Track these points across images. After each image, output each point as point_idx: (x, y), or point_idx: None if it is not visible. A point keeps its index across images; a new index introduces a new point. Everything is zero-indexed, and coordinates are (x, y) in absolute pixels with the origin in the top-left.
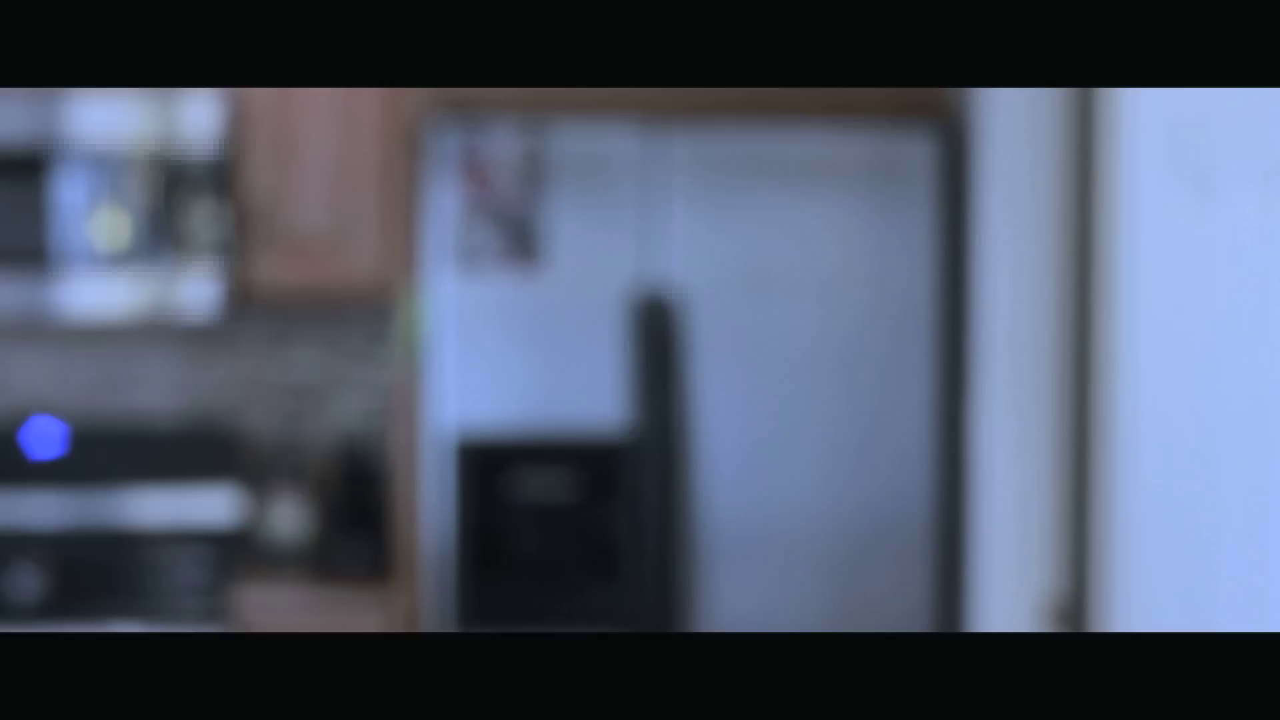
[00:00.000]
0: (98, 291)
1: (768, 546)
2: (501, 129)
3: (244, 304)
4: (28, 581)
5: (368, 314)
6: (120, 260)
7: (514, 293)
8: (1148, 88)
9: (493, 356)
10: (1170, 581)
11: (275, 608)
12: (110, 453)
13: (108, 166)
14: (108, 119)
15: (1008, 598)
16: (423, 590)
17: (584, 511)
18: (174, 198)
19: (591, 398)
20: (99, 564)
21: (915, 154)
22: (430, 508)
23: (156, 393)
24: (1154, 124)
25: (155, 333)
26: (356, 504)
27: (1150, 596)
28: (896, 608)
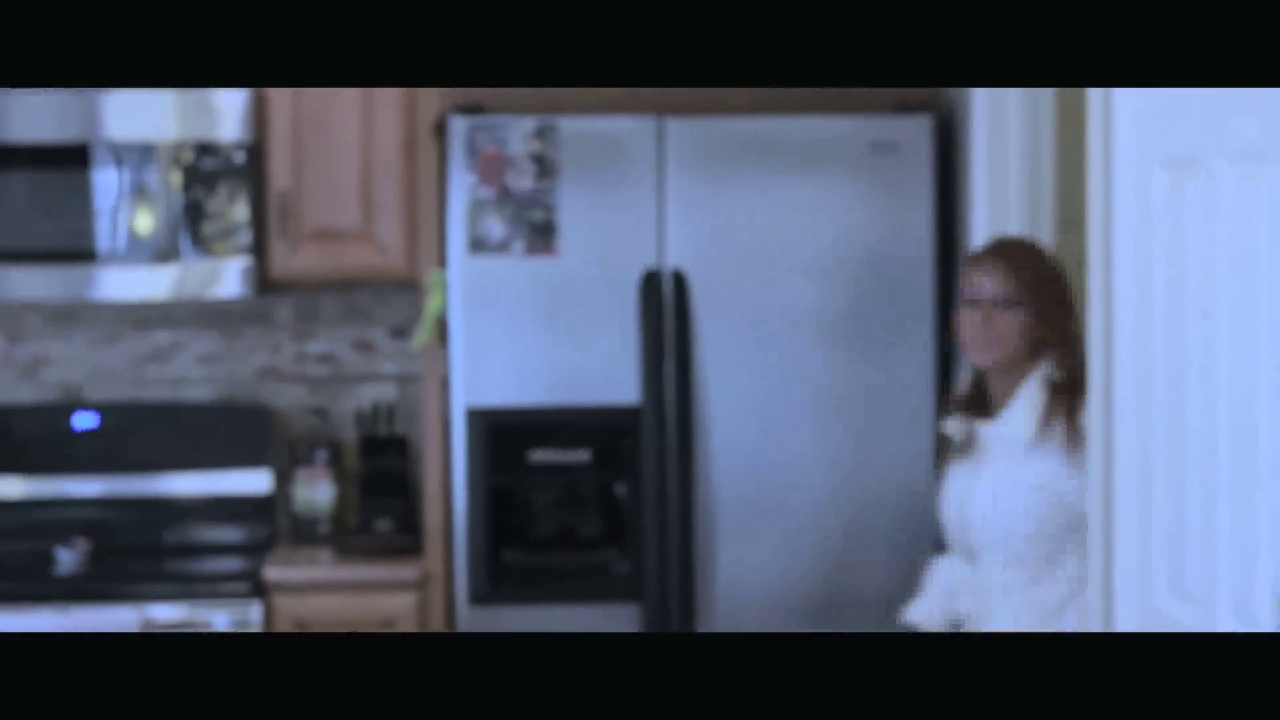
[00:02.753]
0: (135, 279)
1: (772, 514)
2: (515, 123)
3: (273, 290)
4: (70, 556)
5: (392, 298)
6: (155, 249)
7: (531, 275)
8: (1127, 88)
9: (512, 336)
10: (1153, 547)
11: (307, 581)
12: (147, 432)
13: (143, 160)
14: (143, 115)
15: None
16: (450, 560)
17: (598, 482)
18: (206, 189)
19: (605, 373)
20: (136, 540)
21: (910, 138)
22: (455, 481)
23: (191, 374)
24: (1131, 107)
25: (189, 318)
26: (383, 479)
27: (1136, 555)
28: (896, 572)
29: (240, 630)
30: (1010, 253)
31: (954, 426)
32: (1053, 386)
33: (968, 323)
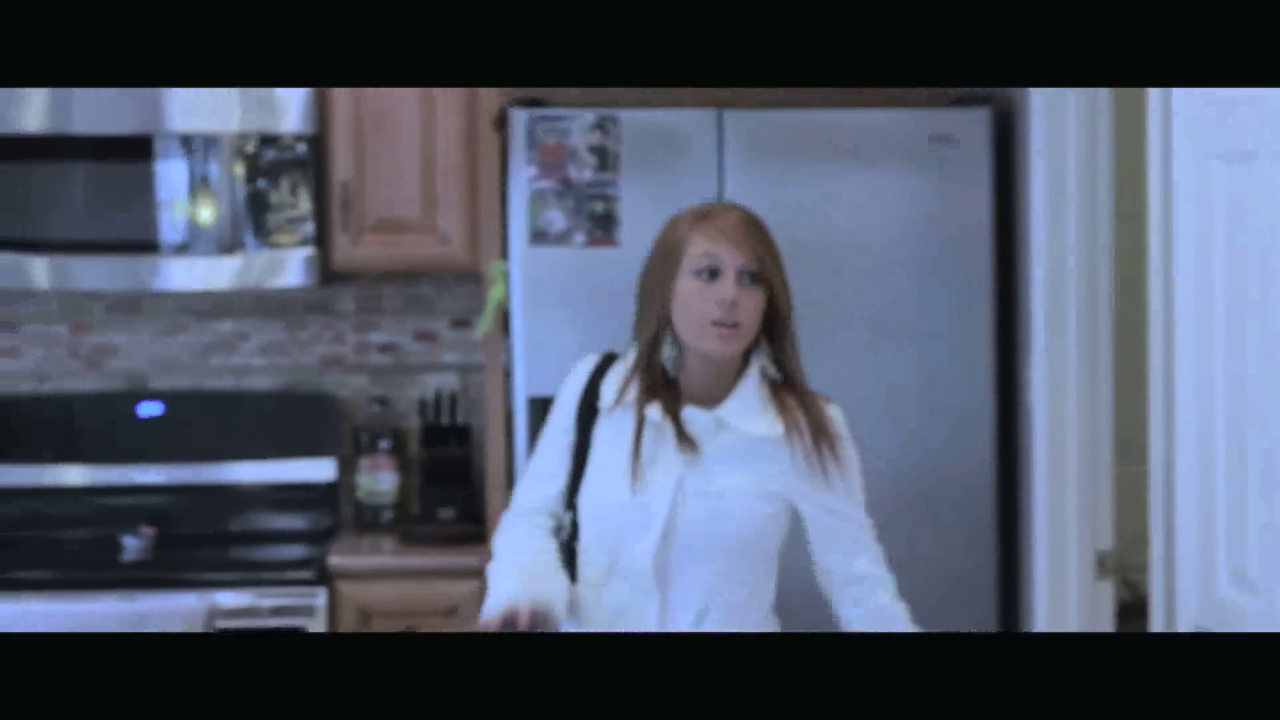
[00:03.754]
0: (198, 270)
1: None
2: (576, 115)
3: (335, 280)
4: (135, 543)
5: (453, 288)
6: (219, 240)
7: (592, 266)
8: (1180, 88)
9: (573, 326)
10: (1215, 537)
11: (371, 569)
12: (211, 421)
13: (206, 151)
14: (206, 108)
15: (1063, 553)
16: None
17: None
18: (269, 180)
19: None
20: (201, 528)
21: (969, 131)
22: (517, 470)
23: (254, 364)
24: (1190, 101)
25: (253, 308)
26: (445, 467)
27: (1196, 552)
28: (958, 565)
29: (305, 618)
30: (748, 217)
31: (659, 414)
32: (771, 384)
33: (705, 300)
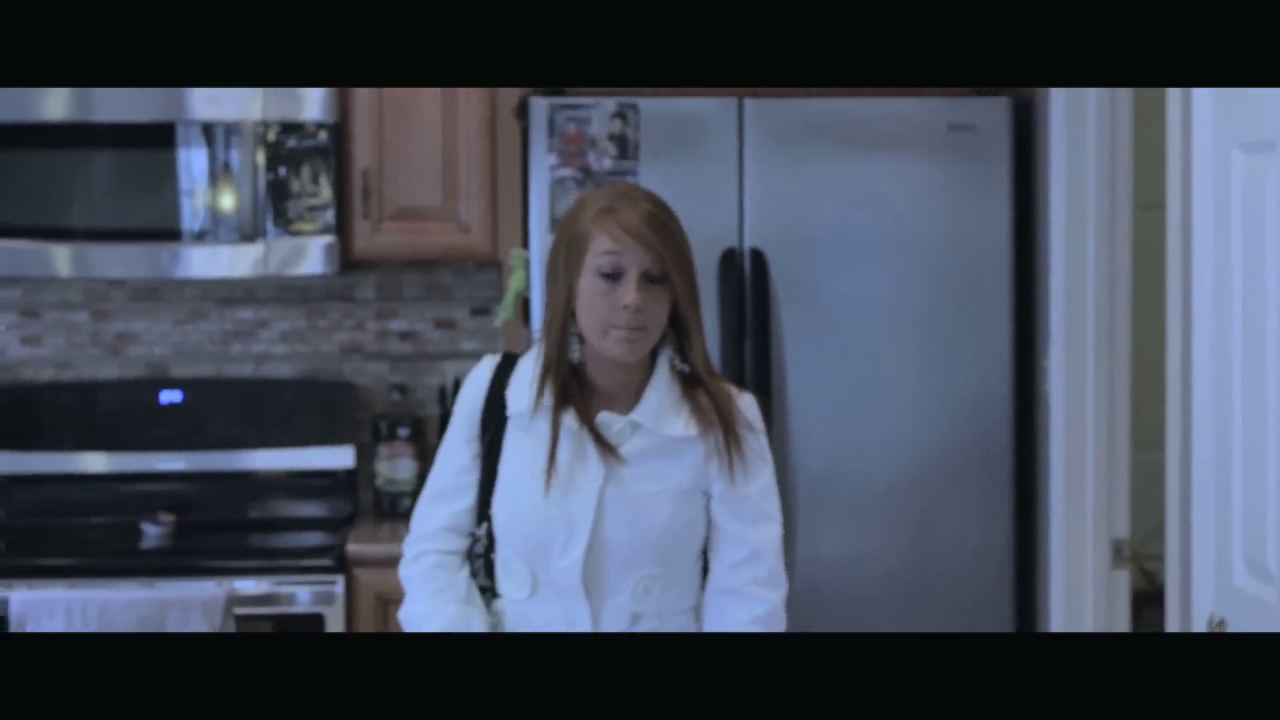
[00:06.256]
0: (219, 257)
1: (848, 495)
2: (596, 103)
3: (356, 268)
4: (155, 531)
5: (473, 276)
6: (240, 228)
7: None
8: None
9: None
10: (1232, 525)
11: (389, 556)
12: (231, 409)
13: (228, 139)
14: (228, 96)
15: (1080, 541)
16: None
17: None
18: (290, 169)
19: None
20: (220, 515)
21: (988, 120)
22: None
23: (274, 351)
24: (1211, 91)
25: (273, 295)
26: None
27: (1213, 541)
28: (972, 556)
29: (324, 605)
30: (653, 213)
31: (575, 422)
32: (681, 379)
33: (607, 303)
